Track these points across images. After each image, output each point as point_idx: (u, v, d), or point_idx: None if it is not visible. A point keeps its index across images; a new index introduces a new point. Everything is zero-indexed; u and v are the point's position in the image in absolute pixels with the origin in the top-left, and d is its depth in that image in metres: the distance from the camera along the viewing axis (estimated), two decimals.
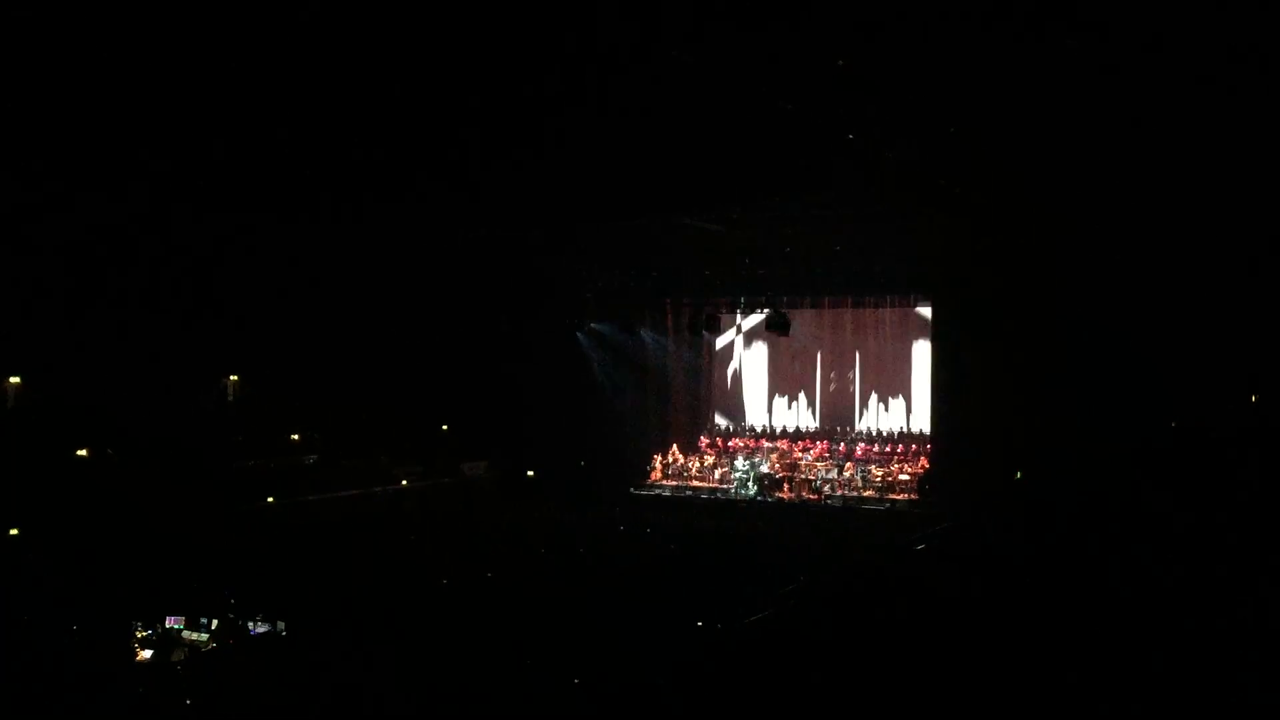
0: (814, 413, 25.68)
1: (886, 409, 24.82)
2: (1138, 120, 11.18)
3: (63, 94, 10.55)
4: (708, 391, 26.83)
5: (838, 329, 25.22)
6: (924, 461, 22.45)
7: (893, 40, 9.21)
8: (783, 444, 24.71)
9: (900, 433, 24.38)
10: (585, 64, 9.87)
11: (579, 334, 24.59)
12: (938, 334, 21.81)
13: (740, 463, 23.40)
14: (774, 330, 22.22)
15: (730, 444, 25.45)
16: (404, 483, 21.37)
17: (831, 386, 25.45)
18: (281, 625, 10.45)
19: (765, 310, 22.01)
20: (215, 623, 10.39)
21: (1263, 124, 11.17)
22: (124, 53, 9.66)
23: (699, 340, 25.38)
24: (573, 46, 9.43)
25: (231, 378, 19.02)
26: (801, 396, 25.82)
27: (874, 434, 24.66)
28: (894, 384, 24.75)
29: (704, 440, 25.84)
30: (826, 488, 22.09)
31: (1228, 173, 12.91)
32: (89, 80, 10.26)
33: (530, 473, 23.26)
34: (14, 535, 14.72)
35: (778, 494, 22.34)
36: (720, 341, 26.43)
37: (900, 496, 21.56)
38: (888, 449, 23.90)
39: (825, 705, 6.94)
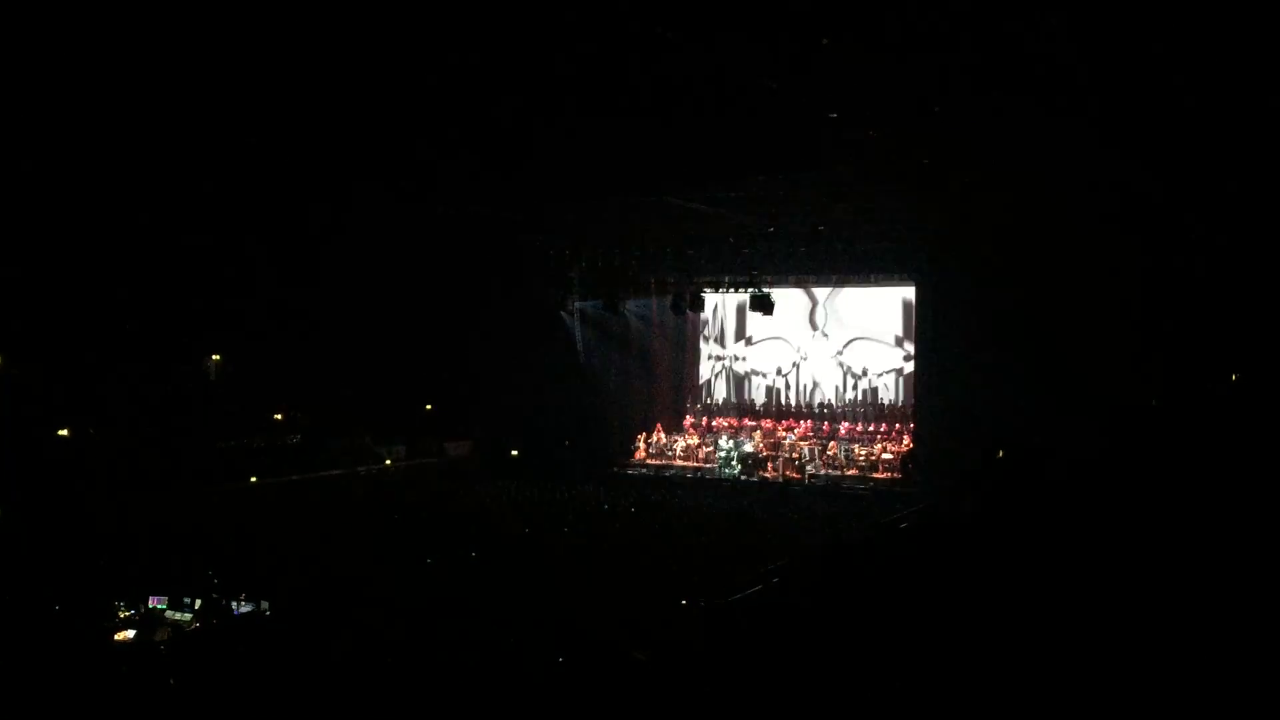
0: (797, 392, 25.75)
1: (870, 389, 24.91)
2: (1119, 99, 11.20)
3: (45, 80, 10.45)
4: (692, 371, 26.85)
5: (821, 309, 25.28)
6: (907, 441, 22.55)
7: (874, 21, 9.19)
8: (766, 423, 24.80)
9: (884, 410, 24.48)
10: (568, 42, 9.82)
11: (563, 313, 24.53)
12: (921, 314, 21.88)
13: (724, 442, 23.46)
14: (757, 310, 22.25)
15: (714, 423, 25.51)
16: (388, 462, 21.35)
17: (815, 366, 25.50)
18: (265, 605, 10.44)
19: (749, 289, 22.03)
20: (199, 602, 10.37)
21: (1254, 111, 11.24)
22: (123, 44, 9.60)
23: (683, 319, 25.39)
24: (556, 24, 9.37)
25: (214, 357, 18.93)
26: (785, 376, 25.88)
27: (857, 413, 24.75)
28: (877, 364, 24.83)
29: (688, 419, 25.89)
30: (810, 467, 22.19)
31: (1210, 156, 12.97)
32: (78, 68, 10.18)
33: (514, 452, 23.26)
34: None
35: (761, 473, 22.44)
36: (704, 321, 26.44)
37: (883, 475, 21.69)
38: (871, 428, 24.01)
39: (808, 682, 7.00)
